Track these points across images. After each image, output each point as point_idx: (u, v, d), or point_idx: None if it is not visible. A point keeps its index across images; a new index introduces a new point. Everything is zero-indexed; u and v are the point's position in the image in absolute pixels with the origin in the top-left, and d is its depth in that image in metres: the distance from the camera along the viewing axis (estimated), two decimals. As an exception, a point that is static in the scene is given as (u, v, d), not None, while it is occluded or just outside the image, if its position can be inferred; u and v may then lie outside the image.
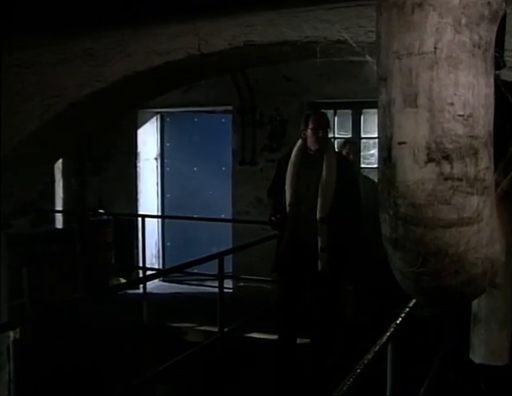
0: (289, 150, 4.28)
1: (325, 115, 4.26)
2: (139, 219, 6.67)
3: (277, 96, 6.48)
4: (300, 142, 4.19)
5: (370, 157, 6.56)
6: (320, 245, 4.00)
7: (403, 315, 2.62)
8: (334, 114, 6.52)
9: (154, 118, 7.56)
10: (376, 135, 6.21)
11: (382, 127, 1.75)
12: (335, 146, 5.43)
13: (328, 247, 4.00)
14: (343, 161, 4.27)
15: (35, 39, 3.65)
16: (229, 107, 6.86)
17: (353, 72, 5.74)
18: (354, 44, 2.53)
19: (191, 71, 3.83)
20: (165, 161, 7.63)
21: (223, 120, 7.29)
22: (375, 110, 6.19)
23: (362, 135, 6.45)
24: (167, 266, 7.36)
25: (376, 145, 6.50)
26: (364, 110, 6.39)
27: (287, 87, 6.43)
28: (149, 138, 7.51)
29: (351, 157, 5.02)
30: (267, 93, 6.52)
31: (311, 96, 6.39)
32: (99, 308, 5.39)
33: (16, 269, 5.63)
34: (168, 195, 7.63)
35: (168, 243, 7.60)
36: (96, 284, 6.65)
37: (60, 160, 7.12)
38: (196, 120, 7.50)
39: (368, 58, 2.27)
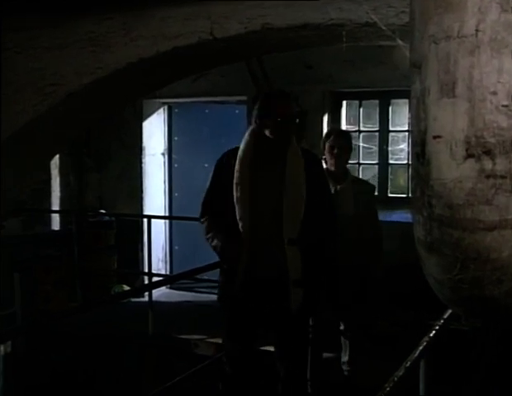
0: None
1: (289, 96, 3.48)
2: (145, 220, 6.70)
3: (296, 85, 6.45)
4: (250, 132, 3.34)
5: (399, 153, 6.54)
6: (291, 277, 3.18)
7: (437, 328, 2.61)
8: (360, 105, 6.51)
9: (161, 109, 7.58)
10: (405, 128, 6.33)
11: (416, 119, 1.75)
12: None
13: (303, 278, 3.21)
14: (309, 157, 3.37)
15: (29, 20, 3.65)
16: (244, 97, 6.84)
17: (381, 57, 5.72)
18: (384, 27, 2.53)
19: (202, 57, 3.84)
20: (173, 156, 7.65)
21: (236, 111, 7.29)
22: (405, 101, 6.27)
23: (391, 128, 6.43)
24: (175, 272, 7.38)
25: (406, 139, 6.57)
26: (393, 101, 6.37)
27: (307, 74, 6.42)
28: (155, 131, 7.53)
29: (335, 152, 4.12)
30: (285, 82, 6.48)
31: (334, 84, 6.38)
32: (99, 319, 5.42)
33: (6, 275, 5.66)
34: (176, 194, 7.65)
35: (176, 247, 7.62)
36: (96, 291, 6.69)
37: (57, 155, 7.18)
38: (207, 111, 7.51)
39: (399, 42, 2.26)
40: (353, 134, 6.59)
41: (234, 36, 3.33)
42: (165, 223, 7.59)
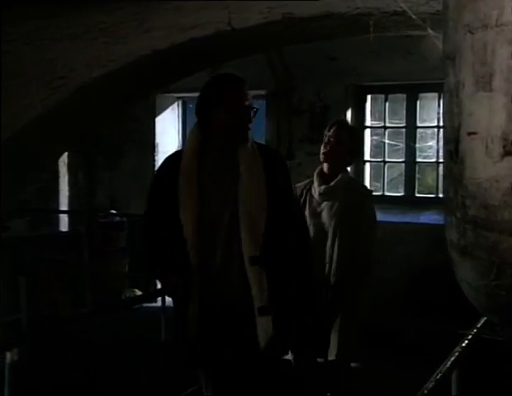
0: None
1: (246, 82, 2.89)
2: (157, 221, 6.70)
3: (318, 79, 6.46)
4: (194, 130, 2.92)
5: (427, 150, 6.52)
6: (256, 303, 2.76)
7: (470, 337, 2.59)
8: (385, 99, 6.49)
9: (175, 104, 7.61)
10: (434, 124, 6.29)
11: (449, 115, 1.73)
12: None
13: (271, 304, 2.77)
14: (269, 155, 2.93)
15: (37, 9, 3.66)
16: (262, 92, 6.85)
17: (408, 48, 5.70)
18: (414, 16, 2.51)
19: (219, 49, 3.85)
20: (187, 154, 7.66)
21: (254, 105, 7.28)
22: (434, 94, 6.24)
23: (419, 124, 6.41)
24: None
25: (435, 136, 6.52)
26: (421, 95, 6.33)
27: (330, 67, 6.40)
28: (168, 127, 7.56)
29: (328, 146, 3.66)
30: (306, 75, 6.50)
31: (358, 77, 6.36)
32: (109, 325, 5.44)
33: (11, 279, 5.68)
34: (190, 194, 7.66)
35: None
36: (106, 296, 6.71)
37: (66, 153, 7.21)
38: (223, 106, 7.52)
39: (430, 31, 2.25)
40: (379, 130, 6.59)
41: (254, 27, 3.32)
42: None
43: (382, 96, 6.51)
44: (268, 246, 2.77)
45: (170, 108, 7.59)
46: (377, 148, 6.65)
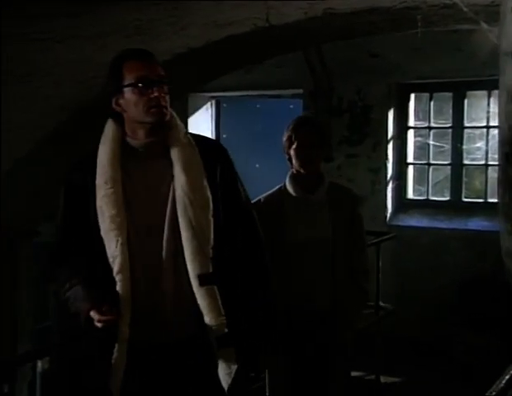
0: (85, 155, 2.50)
1: (153, 56, 2.43)
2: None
3: (358, 77, 6.43)
4: (112, 128, 2.43)
5: (475, 152, 6.45)
6: (213, 333, 2.35)
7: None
8: (430, 98, 6.43)
9: (209, 104, 7.64)
10: (483, 124, 6.21)
11: (504, 115, 1.71)
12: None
13: (233, 331, 2.37)
14: (208, 146, 2.48)
15: (70, 5, 3.70)
16: (300, 91, 6.86)
17: (456, 44, 5.64)
18: (465, 9, 2.47)
19: (256, 47, 3.85)
20: (221, 156, 7.68)
21: (291, 106, 7.28)
22: (483, 92, 6.18)
23: (466, 124, 6.34)
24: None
25: (484, 136, 6.44)
26: (469, 93, 6.27)
27: (372, 64, 6.38)
28: (201, 128, 7.58)
29: (294, 147, 3.24)
30: (346, 73, 6.48)
31: (402, 75, 6.32)
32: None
33: (41, 286, 5.74)
34: (224, 198, 7.68)
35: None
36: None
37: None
38: (258, 106, 7.54)
39: (484, 25, 2.21)
40: (423, 131, 6.54)
41: (293, 23, 3.32)
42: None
43: (427, 94, 6.45)
44: (221, 260, 2.37)
45: (203, 108, 7.62)
46: (421, 149, 6.59)
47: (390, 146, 6.46)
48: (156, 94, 2.27)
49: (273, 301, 2.51)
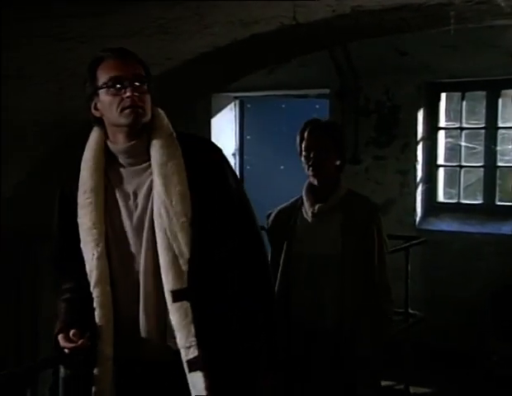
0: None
1: (133, 54, 2.30)
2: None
3: (387, 76, 6.39)
4: (95, 134, 2.35)
5: (510, 153, 6.39)
6: (185, 356, 2.20)
7: None
8: (462, 97, 6.35)
9: (232, 104, 7.63)
10: (519, 124, 6.11)
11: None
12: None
13: (206, 355, 2.20)
14: (195, 146, 2.32)
15: (92, 6, 3.72)
16: (326, 90, 6.83)
17: (490, 41, 5.57)
18: (503, 3, 2.43)
19: (282, 46, 3.85)
20: (245, 157, 7.70)
21: (317, 106, 7.26)
22: (518, 91, 6.07)
23: (500, 124, 6.26)
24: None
25: (520, 138, 6.33)
26: (503, 92, 6.19)
27: (401, 63, 6.32)
28: (225, 129, 7.59)
29: (305, 154, 3.15)
30: (374, 72, 6.44)
31: (432, 74, 6.25)
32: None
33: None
34: (248, 200, 7.68)
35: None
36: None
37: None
38: (283, 106, 7.52)
39: (522, 22, 2.17)
40: (454, 131, 6.48)
41: (320, 21, 3.31)
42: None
43: (459, 94, 6.37)
44: (199, 274, 2.22)
45: (226, 109, 7.61)
46: (452, 151, 6.52)
47: (419, 147, 6.40)
48: (129, 94, 2.16)
49: (273, 316, 2.35)
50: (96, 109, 2.26)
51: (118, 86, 2.17)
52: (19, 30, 3.83)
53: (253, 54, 3.86)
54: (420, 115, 6.39)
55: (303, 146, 3.14)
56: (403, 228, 6.03)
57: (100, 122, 2.29)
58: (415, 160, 6.37)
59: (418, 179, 6.40)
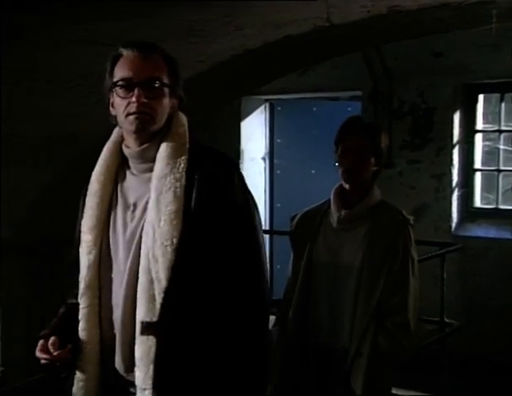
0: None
1: (159, 48, 2.11)
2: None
3: (421, 77, 6.34)
4: (114, 135, 2.22)
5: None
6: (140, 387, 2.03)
7: None
8: (501, 99, 6.28)
9: (262, 107, 7.63)
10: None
11: None
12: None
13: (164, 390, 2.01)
14: (204, 162, 2.10)
15: (119, 9, 3.74)
16: (358, 93, 6.80)
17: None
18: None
19: (316, 48, 3.84)
20: (275, 161, 7.68)
21: (349, 108, 7.21)
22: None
23: (540, 127, 6.18)
24: (275, 296, 7.36)
25: None
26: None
27: (436, 64, 6.27)
28: (255, 132, 7.59)
29: (339, 155, 2.93)
30: (408, 73, 6.39)
31: (469, 75, 6.19)
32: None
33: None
34: (279, 205, 7.66)
35: (278, 266, 7.60)
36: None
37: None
38: (314, 109, 7.50)
39: None
40: (492, 134, 6.40)
41: (355, 22, 3.30)
42: (266, 238, 7.62)
43: (497, 95, 6.33)
44: (176, 309, 1.99)
45: (256, 112, 7.61)
46: (490, 154, 6.46)
47: (455, 151, 6.33)
48: (134, 99, 1.99)
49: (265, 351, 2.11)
50: (113, 107, 2.11)
51: (125, 88, 2.03)
52: (49, 34, 3.87)
53: (285, 56, 3.86)
54: (456, 117, 6.33)
55: (340, 146, 2.91)
56: (438, 233, 5.97)
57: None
58: (451, 164, 6.30)
59: (454, 183, 6.33)
